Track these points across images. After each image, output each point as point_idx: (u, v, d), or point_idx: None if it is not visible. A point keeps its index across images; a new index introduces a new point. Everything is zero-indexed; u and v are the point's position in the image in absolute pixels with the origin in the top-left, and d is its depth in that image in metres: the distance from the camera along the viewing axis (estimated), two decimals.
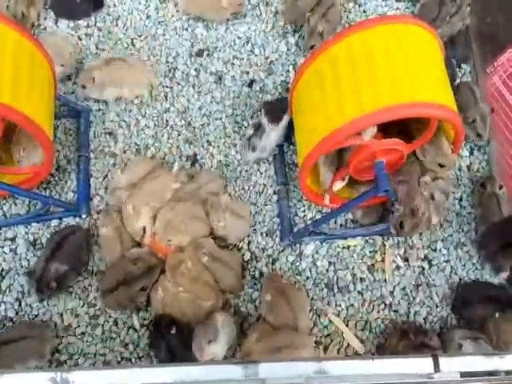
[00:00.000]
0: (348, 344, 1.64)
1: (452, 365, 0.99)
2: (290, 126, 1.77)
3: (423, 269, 1.77)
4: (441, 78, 1.35)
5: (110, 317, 1.65)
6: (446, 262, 1.78)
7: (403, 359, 0.98)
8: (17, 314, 1.65)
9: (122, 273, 1.55)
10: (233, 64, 2.08)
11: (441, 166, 1.55)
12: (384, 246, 1.78)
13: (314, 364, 0.95)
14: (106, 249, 1.66)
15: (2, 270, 1.70)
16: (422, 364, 0.97)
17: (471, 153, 1.97)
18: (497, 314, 1.62)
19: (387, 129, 1.47)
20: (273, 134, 1.79)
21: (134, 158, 1.86)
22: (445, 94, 1.33)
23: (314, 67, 1.43)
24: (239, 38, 2.12)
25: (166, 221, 1.62)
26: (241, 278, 1.68)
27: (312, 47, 2.03)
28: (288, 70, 2.07)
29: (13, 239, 1.74)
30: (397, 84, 1.26)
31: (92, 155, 1.87)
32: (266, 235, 1.79)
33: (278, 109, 1.79)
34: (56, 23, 2.12)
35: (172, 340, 1.51)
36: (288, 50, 2.11)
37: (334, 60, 1.36)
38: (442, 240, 1.81)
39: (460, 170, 1.93)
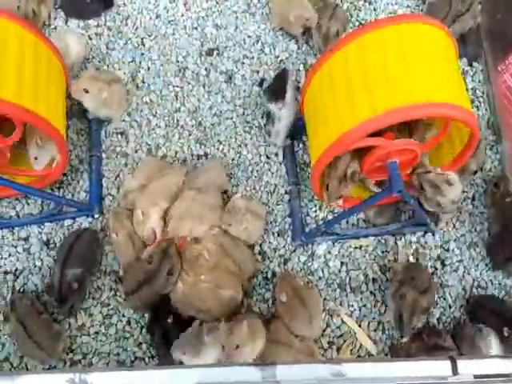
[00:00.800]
0: (361, 345, 1.64)
1: (470, 367, 0.99)
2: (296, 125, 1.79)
3: (436, 269, 1.76)
4: (455, 78, 1.34)
5: (123, 316, 1.65)
6: (459, 262, 1.78)
7: (421, 362, 0.98)
8: None
9: (141, 274, 1.55)
10: (243, 63, 2.07)
11: None
12: (396, 245, 1.77)
13: (331, 366, 0.95)
14: (119, 252, 1.66)
15: (16, 269, 1.71)
16: (439, 367, 0.97)
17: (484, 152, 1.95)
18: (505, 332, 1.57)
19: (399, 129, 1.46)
20: (284, 113, 1.77)
21: (144, 159, 1.86)
22: (459, 93, 1.32)
23: (326, 68, 1.42)
24: (249, 36, 2.12)
25: (180, 212, 1.63)
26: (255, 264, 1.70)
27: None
28: (298, 69, 2.06)
29: (26, 239, 1.75)
30: (411, 84, 1.24)
31: (104, 155, 1.88)
32: (278, 235, 1.79)
33: (277, 86, 1.79)
34: (66, 23, 2.12)
35: (169, 327, 1.54)
36: (298, 48, 2.10)
37: (345, 60, 1.35)
38: (455, 240, 1.80)
39: None
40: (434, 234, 1.79)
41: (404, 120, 1.29)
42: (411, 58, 1.28)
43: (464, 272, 1.77)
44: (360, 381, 0.97)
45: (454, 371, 0.97)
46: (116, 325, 1.64)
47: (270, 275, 1.72)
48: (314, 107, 1.50)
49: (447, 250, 1.79)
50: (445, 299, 1.73)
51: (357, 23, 2.18)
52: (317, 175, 1.48)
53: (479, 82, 2.08)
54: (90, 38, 2.08)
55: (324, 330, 1.65)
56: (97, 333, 1.64)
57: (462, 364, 0.98)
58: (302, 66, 2.07)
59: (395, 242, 1.78)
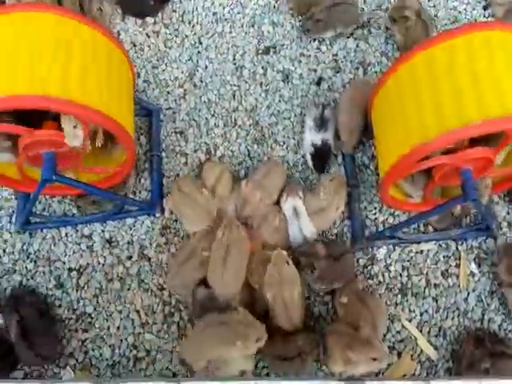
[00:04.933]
0: (421, 350, 1.63)
1: None
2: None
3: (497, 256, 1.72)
4: None
5: (184, 314, 1.68)
6: None
7: (506, 380, 0.97)
8: (95, 309, 1.70)
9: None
10: (300, 61, 2.06)
11: None
12: (458, 250, 1.75)
13: (419, 383, 0.95)
14: None
15: (80, 266, 1.75)
16: None
17: None
18: None
19: None
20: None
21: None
22: None
23: (406, 70, 1.38)
24: (306, 34, 2.09)
25: None
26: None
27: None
28: (357, 68, 2.03)
29: (89, 236, 1.79)
30: (501, 94, 1.21)
31: (164, 154, 1.89)
32: (336, 238, 1.78)
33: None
34: (123, 20, 2.13)
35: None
36: (357, 46, 2.07)
37: (431, 64, 1.31)
38: None
39: None
40: (496, 240, 1.76)
41: (496, 131, 1.27)
42: (501, 67, 1.24)
43: None
44: None
45: None
46: (178, 323, 1.67)
47: None
48: (390, 111, 1.45)
49: None
50: (506, 306, 1.70)
51: None
52: (387, 186, 1.46)
53: None
54: (148, 36, 2.09)
55: (385, 335, 1.64)
56: (159, 331, 1.67)
57: None
58: (359, 64, 2.04)
59: (457, 248, 1.76)
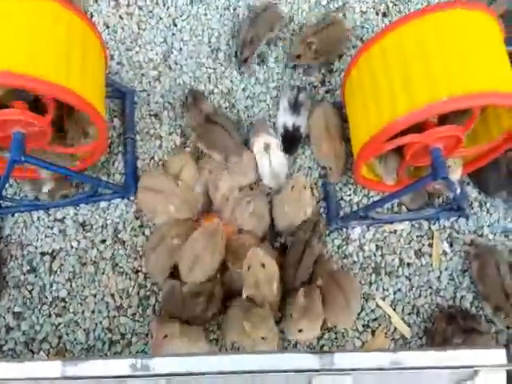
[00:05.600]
0: (395, 328, 1.66)
1: None
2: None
3: (469, 253, 1.76)
4: (506, 64, 1.32)
5: (160, 297, 1.67)
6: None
7: (477, 350, 0.99)
8: (68, 294, 1.68)
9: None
10: (276, 45, 2.05)
11: None
12: (430, 230, 1.77)
13: (388, 355, 0.96)
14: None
15: (53, 250, 1.73)
16: (495, 355, 0.98)
17: None
18: None
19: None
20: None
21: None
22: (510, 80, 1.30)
23: (376, 53, 1.39)
24: (282, 17, 2.08)
25: None
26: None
27: (298, 56, 1.92)
28: None
29: (62, 220, 1.77)
30: (466, 73, 1.23)
31: (138, 137, 1.87)
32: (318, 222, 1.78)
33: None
34: (96, 1, 2.09)
35: None
36: None
37: (400, 45, 1.32)
38: (489, 226, 1.80)
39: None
40: (467, 219, 1.79)
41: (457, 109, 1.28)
42: (466, 45, 1.25)
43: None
44: (416, 369, 0.98)
45: (509, 359, 0.98)
46: (154, 306, 1.67)
47: None
48: (361, 92, 1.47)
49: (481, 236, 1.79)
50: (477, 285, 1.73)
51: (390, 4, 2.14)
52: (360, 166, 1.47)
53: None
54: (121, 18, 2.06)
55: (359, 314, 1.66)
56: (134, 314, 1.66)
57: None
58: None
59: (429, 227, 1.78)
